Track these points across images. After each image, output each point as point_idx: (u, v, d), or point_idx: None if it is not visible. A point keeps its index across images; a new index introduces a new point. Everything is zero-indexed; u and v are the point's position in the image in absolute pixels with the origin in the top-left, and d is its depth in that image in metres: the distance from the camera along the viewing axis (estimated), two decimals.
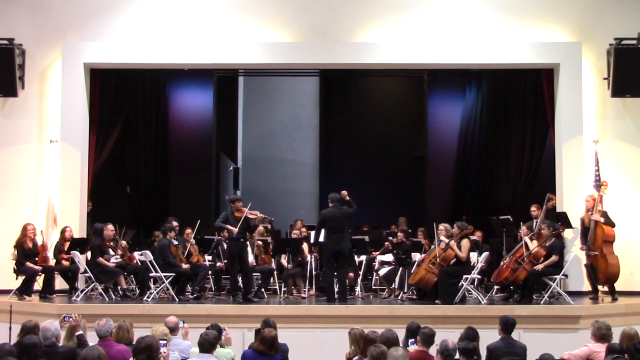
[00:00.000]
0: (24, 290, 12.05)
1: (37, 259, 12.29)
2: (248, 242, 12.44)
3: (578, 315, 11.12)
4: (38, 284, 12.40)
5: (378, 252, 13.42)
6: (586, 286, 12.67)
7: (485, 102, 17.22)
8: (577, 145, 13.36)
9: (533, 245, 11.84)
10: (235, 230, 11.79)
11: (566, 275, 12.39)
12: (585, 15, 13.69)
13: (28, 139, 13.69)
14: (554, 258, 11.67)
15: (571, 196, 13.18)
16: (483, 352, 7.77)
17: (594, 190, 12.86)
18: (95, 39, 13.62)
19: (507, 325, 8.20)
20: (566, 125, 13.42)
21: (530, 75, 15.25)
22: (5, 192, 13.55)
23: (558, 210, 12.99)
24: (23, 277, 12.13)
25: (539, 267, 11.63)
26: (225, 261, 12.97)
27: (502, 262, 12.27)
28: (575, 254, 12.52)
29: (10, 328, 9.86)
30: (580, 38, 13.57)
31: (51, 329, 7.12)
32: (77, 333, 7.57)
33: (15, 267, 12.15)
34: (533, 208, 12.79)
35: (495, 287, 12.97)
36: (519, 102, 16.10)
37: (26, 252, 12.13)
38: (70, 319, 7.70)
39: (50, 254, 12.67)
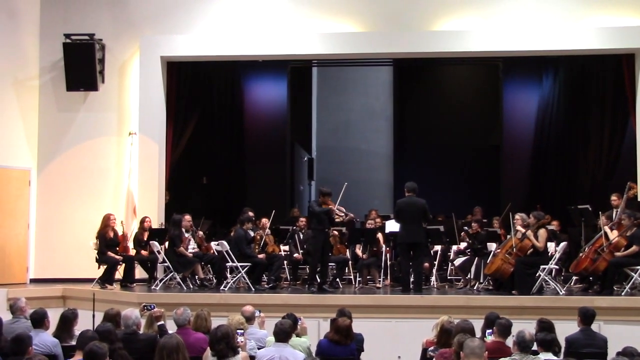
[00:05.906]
0: (106, 279, 12.40)
1: (117, 248, 12.62)
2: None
3: None
4: (119, 273, 12.73)
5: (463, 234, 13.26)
6: None
7: (562, 89, 16.88)
8: None
9: (613, 235, 11.55)
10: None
11: None
12: None
13: (108, 132, 14.02)
14: (634, 248, 11.37)
15: None
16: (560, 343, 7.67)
17: None
18: (172, 33, 13.85)
19: (587, 316, 8.06)
20: None
21: (609, 61, 14.85)
22: (88, 183, 13.90)
23: (639, 199, 12.67)
24: (105, 267, 12.48)
25: (619, 254, 11.37)
26: (302, 251, 13.07)
27: (580, 253, 12.04)
28: None
29: (93, 315, 10.11)
30: None
31: (132, 317, 7.38)
32: (158, 323, 7.78)
33: (97, 257, 12.50)
34: (613, 197, 12.48)
35: (574, 277, 12.73)
36: (597, 89, 15.77)
37: (107, 242, 12.46)
38: (153, 310, 7.92)
39: (130, 243, 12.97)
